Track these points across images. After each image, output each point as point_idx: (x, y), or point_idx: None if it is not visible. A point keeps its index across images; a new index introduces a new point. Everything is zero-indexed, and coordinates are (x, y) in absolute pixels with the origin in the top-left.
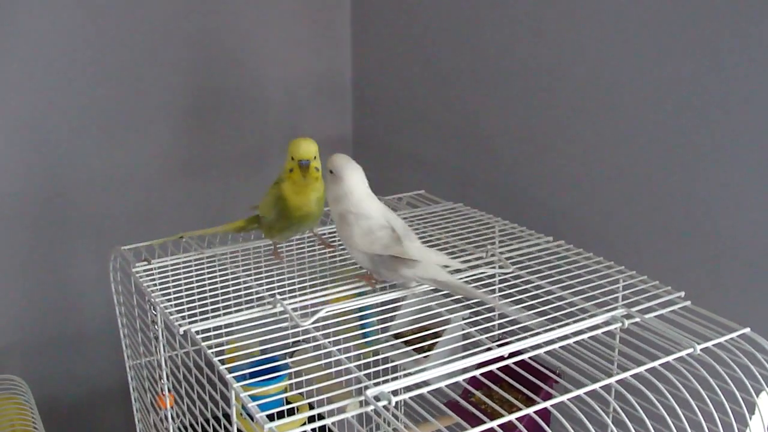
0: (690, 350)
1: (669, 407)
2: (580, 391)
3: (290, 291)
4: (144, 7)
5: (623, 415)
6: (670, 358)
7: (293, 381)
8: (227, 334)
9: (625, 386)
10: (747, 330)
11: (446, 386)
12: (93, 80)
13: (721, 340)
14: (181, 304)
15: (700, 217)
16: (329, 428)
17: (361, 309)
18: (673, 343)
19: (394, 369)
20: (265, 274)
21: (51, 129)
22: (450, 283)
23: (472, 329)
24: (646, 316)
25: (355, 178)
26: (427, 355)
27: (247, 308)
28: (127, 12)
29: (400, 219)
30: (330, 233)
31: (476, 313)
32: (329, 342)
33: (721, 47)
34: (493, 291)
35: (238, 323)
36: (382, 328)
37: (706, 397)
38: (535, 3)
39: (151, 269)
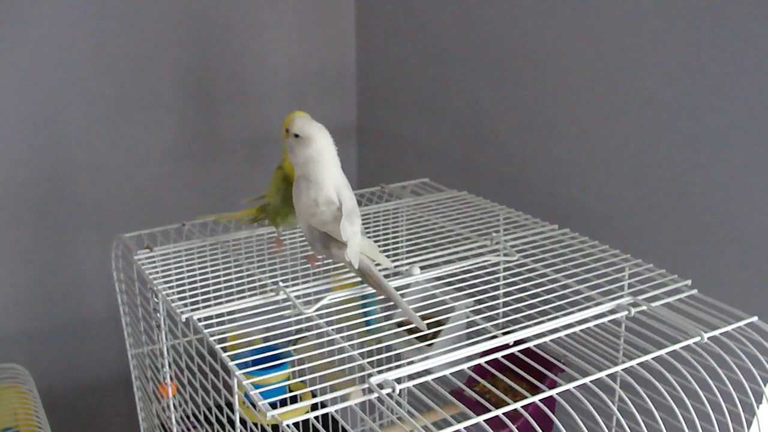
0: (697, 339)
1: (675, 396)
2: (586, 380)
3: (293, 278)
4: None
5: (629, 404)
6: (676, 347)
7: (296, 369)
8: (230, 321)
9: (631, 375)
10: (754, 318)
11: (450, 374)
12: (96, 68)
13: (729, 328)
14: (183, 291)
15: (707, 204)
16: (333, 416)
17: (364, 297)
18: (680, 332)
19: (398, 357)
20: (268, 262)
21: (54, 117)
22: (372, 274)
23: (477, 317)
24: (653, 304)
25: (323, 142)
26: (431, 344)
27: (250, 296)
28: (132, 0)
29: (353, 199)
30: None
31: (480, 302)
32: (332, 330)
33: (724, 39)
34: (498, 279)
35: (240, 311)
36: (385, 315)
37: (713, 386)
38: None
39: (153, 257)
